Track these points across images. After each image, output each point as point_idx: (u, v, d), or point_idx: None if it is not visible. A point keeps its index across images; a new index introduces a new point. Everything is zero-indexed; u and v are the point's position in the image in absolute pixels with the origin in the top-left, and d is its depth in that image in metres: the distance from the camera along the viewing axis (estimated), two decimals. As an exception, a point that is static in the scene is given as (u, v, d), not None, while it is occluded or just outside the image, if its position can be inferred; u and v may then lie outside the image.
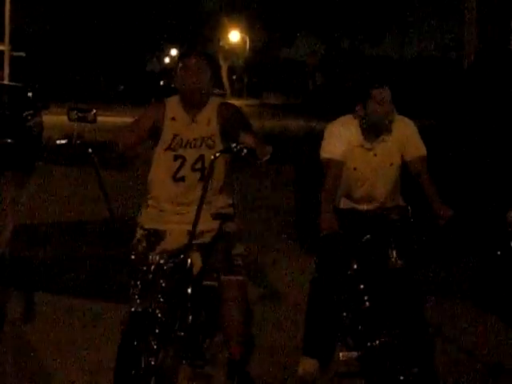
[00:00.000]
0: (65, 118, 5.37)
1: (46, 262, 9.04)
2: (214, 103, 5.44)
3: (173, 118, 5.35)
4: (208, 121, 5.38)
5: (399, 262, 5.41)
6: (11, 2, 34.67)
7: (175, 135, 5.33)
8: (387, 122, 5.70)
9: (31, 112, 20.44)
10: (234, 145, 4.95)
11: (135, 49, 50.24)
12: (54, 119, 25.37)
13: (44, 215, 11.75)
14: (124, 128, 5.61)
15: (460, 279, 8.57)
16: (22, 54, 41.82)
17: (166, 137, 5.34)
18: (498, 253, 7.77)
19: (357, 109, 5.75)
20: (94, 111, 5.37)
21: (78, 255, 9.34)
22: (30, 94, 21.70)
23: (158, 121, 5.36)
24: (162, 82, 51.26)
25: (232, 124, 5.34)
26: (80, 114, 5.42)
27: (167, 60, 64.39)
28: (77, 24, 48.11)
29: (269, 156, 5.14)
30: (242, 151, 4.95)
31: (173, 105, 5.42)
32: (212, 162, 5.06)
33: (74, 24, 48.02)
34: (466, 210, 6.53)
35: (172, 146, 5.33)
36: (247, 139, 4.97)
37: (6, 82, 30.64)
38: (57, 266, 8.86)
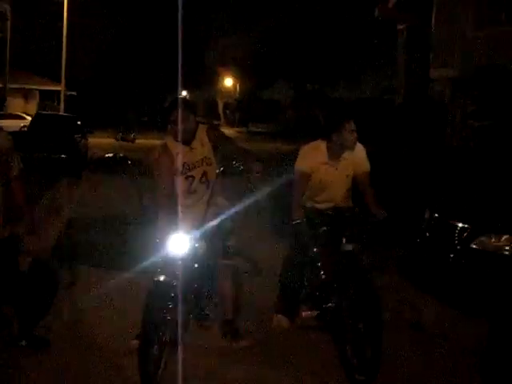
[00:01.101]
0: (104, 140, 5.40)
1: (91, 245, 9.05)
2: (202, 130, 5.43)
3: (177, 153, 5.32)
4: (201, 144, 5.39)
5: (348, 246, 5.48)
6: (66, 54, 34.64)
7: (184, 163, 5.34)
8: (349, 146, 5.74)
9: (80, 135, 20.42)
10: (234, 163, 5.05)
11: (156, 90, 50.34)
12: (97, 141, 25.33)
13: (90, 211, 11.74)
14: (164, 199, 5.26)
15: (392, 259, 8.62)
16: (74, 93, 41.71)
17: (179, 166, 5.34)
18: (418, 240, 7.85)
19: (333, 137, 5.71)
20: (133, 134, 5.43)
21: (115, 240, 9.34)
22: (79, 122, 21.69)
23: (172, 164, 5.29)
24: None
25: (220, 142, 5.44)
26: (123, 136, 5.45)
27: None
28: (114, 72, 48.23)
29: (260, 172, 5.20)
30: (239, 168, 5.05)
31: (172, 144, 5.34)
32: (217, 175, 5.16)
33: (112, 72, 48.14)
34: (396, 211, 6.58)
35: (184, 172, 5.36)
36: (243, 158, 5.05)
37: (61, 113, 30.59)
38: (99, 248, 8.87)
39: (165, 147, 5.38)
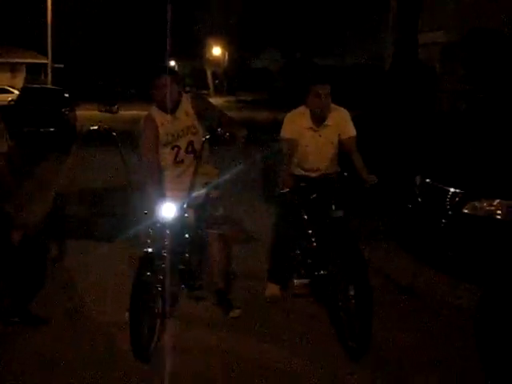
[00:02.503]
0: (92, 112, 5.35)
1: (80, 218, 9.01)
2: (186, 99, 5.39)
3: (162, 123, 5.31)
4: (186, 113, 5.35)
5: (338, 212, 5.43)
6: (52, 25, 34.27)
7: (167, 133, 5.32)
8: (319, 112, 5.70)
9: (67, 108, 20.28)
10: (219, 130, 4.98)
11: (144, 62, 50.02)
12: (85, 113, 25.17)
13: (78, 184, 11.68)
14: (150, 163, 5.29)
15: (383, 226, 8.62)
16: (61, 65, 41.32)
17: (163, 137, 5.32)
18: (409, 206, 7.83)
19: (306, 101, 5.75)
20: (117, 106, 5.38)
21: (104, 213, 9.32)
22: (66, 95, 21.53)
23: (156, 131, 5.29)
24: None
25: (205, 110, 5.39)
26: (107, 107, 5.42)
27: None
28: (102, 44, 47.86)
29: (245, 138, 5.17)
30: (225, 135, 4.98)
31: (156, 113, 5.34)
32: (202, 143, 5.10)
33: (99, 44, 47.77)
34: (387, 176, 6.54)
35: (168, 142, 5.33)
36: (228, 125, 5.01)
37: (49, 86, 30.33)
38: (88, 221, 8.83)
39: (149, 117, 5.36)
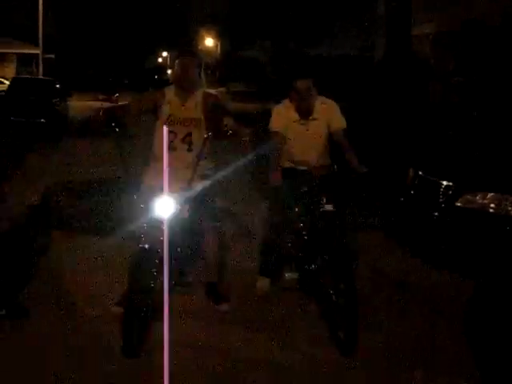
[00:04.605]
0: (85, 103, 5.29)
1: (71, 210, 8.92)
2: (200, 93, 5.39)
3: (169, 102, 5.30)
4: (195, 106, 5.33)
5: (328, 206, 5.38)
6: (43, 16, 34.04)
7: (170, 115, 5.28)
8: (301, 106, 5.68)
9: (58, 99, 20.17)
10: (225, 129, 4.97)
11: (136, 52, 49.92)
12: (77, 104, 25.05)
13: (70, 175, 11.60)
14: (131, 101, 5.51)
15: (375, 219, 8.58)
16: (52, 56, 41.08)
17: (164, 116, 5.29)
18: (402, 199, 7.79)
19: (290, 95, 5.74)
20: (117, 95, 5.37)
21: (97, 205, 9.23)
22: (57, 86, 21.40)
23: (159, 103, 5.30)
24: (156, 76, 50.58)
25: (214, 110, 5.35)
26: (106, 96, 5.40)
27: (160, 60, 63.49)
28: (93, 34, 47.65)
29: (248, 137, 5.17)
30: (228, 132, 4.97)
31: (169, 92, 5.36)
32: (205, 139, 5.06)
33: (91, 34, 47.55)
34: (379, 168, 6.50)
35: (167, 123, 5.26)
36: (231, 124, 4.98)
37: (40, 76, 30.17)
38: (79, 213, 8.74)
39: (160, 90, 5.43)
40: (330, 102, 5.82)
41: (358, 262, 5.95)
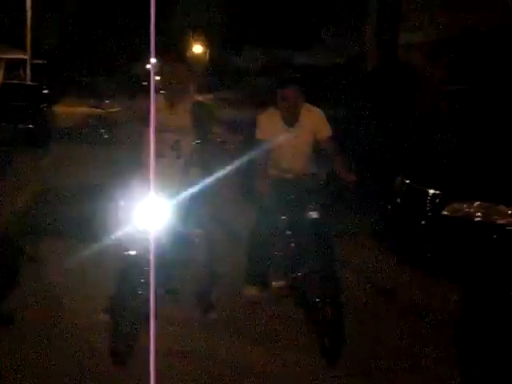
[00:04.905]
0: (73, 109, 5.30)
1: (57, 217, 8.86)
2: (189, 100, 5.40)
3: (158, 110, 5.26)
4: (184, 113, 5.34)
5: (314, 214, 5.38)
6: (31, 19, 33.93)
7: (159, 122, 5.26)
8: (287, 115, 5.70)
9: (46, 105, 20.12)
10: (215, 135, 4.98)
11: (124, 58, 49.85)
12: (65, 110, 24.96)
13: (57, 182, 11.53)
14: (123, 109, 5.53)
15: (363, 226, 8.60)
16: (42, 61, 40.86)
17: (152, 123, 5.27)
18: (389, 207, 7.83)
19: (278, 103, 5.75)
20: (107, 101, 5.38)
21: (83, 211, 9.17)
22: (45, 91, 21.34)
23: (148, 110, 5.20)
24: (144, 83, 50.53)
25: (203, 117, 5.34)
26: (96, 103, 5.41)
27: (148, 66, 63.54)
28: (81, 41, 47.59)
29: (237, 144, 5.18)
30: (218, 140, 4.99)
31: (158, 99, 5.34)
32: (194, 146, 5.07)
33: (79, 41, 47.50)
34: (367, 176, 6.53)
35: (156, 130, 5.25)
36: (220, 131, 4.99)
37: (28, 82, 30.06)
38: (66, 220, 8.69)
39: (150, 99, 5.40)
40: (315, 109, 5.83)
41: (344, 269, 5.97)
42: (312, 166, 5.91)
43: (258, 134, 5.78)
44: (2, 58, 43.15)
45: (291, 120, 5.73)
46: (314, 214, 5.35)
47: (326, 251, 5.14)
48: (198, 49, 58.83)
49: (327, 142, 5.74)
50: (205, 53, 58.95)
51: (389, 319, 5.75)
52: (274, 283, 5.73)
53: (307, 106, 5.78)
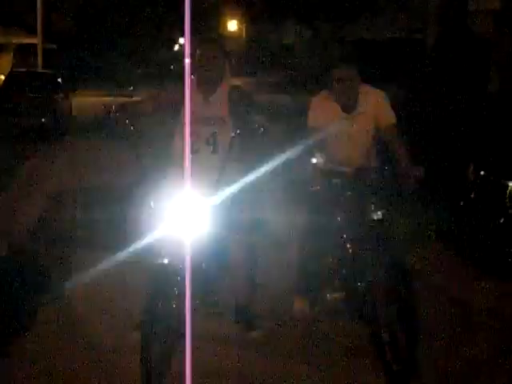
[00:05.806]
0: (91, 99, 5.38)
1: (77, 223, 8.96)
2: (226, 87, 5.41)
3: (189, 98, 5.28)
4: (219, 101, 5.35)
5: (377, 214, 5.31)
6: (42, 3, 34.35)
7: (191, 113, 5.26)
8: (344, 99, 5.63)
9: (61, 95, 20.34)
10: (256, 125, 4.97)
11: (149, 39, 50.18)
12: (82, 100, 25.25)
13: (75, 182, 11.65)
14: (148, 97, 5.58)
15: (431, 227, 8.53)
16: (54, 46, 41.39)
17: (184, 114, 5.28)
18: (461, 203, 7.76)
19: (332, 86, 5.66)
20: (131, 88, 5.46)
21: (106, 216, 9.25)
22: (59, 80, 21.54)
23: (179, 99, 5.20)
24: (172, 67, 50.78)
25: (241, 105, 5.35)
26: (119, 91, 5.49)
27: (176, 47, 63.93)
28: (100, 22, 48.03)
29: (280, 134, 5.17)
30: (259, 130, 4.97)
31: (190, 86, 5.35)
32: (232, 139, 5.08)
33: (97, 22, 47.94)
34: (435, 169, 6.47)
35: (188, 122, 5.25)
36: (261, 120, 4.99)
37: (39, 69, 30.43)
38: (87, 226, 8.78)
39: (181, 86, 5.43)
40: (378, 92, 5.73)
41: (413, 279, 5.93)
42: (373, 158, 5.85)
43: (311, 122, 5.73)
44: (11, 43, 43.84)
45: (348, 105, 5.65)
46: (376, 215, 5.30)
47: (393, 258, 5.08)
48: (233, 25, 58.95)
49: (390, 130, 5.65)
50: (241, 30, 59.03)
51: (467, 335, 5.69)
52: (328, 295, 5.68)
53: (366, 87, 5.70)
